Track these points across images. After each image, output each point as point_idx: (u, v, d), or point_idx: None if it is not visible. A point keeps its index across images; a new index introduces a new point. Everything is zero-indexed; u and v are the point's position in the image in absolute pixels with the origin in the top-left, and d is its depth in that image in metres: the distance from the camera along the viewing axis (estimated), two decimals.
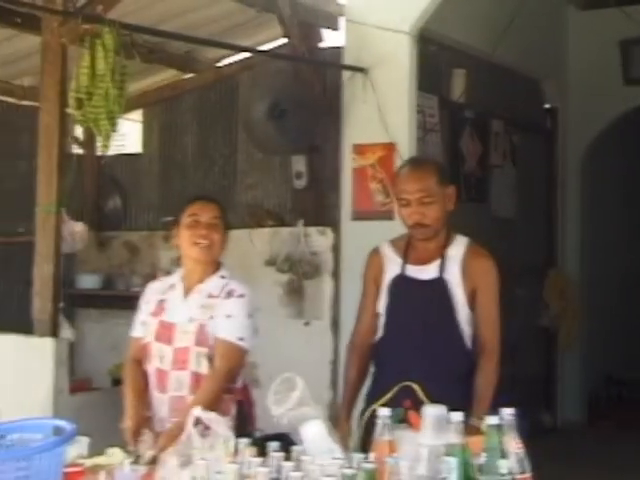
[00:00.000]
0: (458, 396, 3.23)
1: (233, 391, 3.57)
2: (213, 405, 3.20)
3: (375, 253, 3.71)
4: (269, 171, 6.96)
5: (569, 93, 8.91)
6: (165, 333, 3.60)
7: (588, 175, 9.13)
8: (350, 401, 3.64)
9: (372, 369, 3.70)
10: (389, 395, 3.42)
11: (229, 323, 3.54)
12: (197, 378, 3.52)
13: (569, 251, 8.98)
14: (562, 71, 8.86)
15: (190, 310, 3.59)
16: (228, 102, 7.20)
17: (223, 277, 3.66)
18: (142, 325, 3.72)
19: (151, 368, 3.63)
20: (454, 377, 3.46)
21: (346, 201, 6.26)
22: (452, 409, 2.35)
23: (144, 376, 3.66)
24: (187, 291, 3.65)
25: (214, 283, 3.63)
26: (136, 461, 3.13)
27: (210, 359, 3.52)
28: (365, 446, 3.05)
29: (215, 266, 3.68)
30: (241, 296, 3.59)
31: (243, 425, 3.44)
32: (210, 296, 3.60)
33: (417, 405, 3.12)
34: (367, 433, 3.32)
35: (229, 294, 3.59)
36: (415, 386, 3.39)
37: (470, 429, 2.95)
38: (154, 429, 3.50)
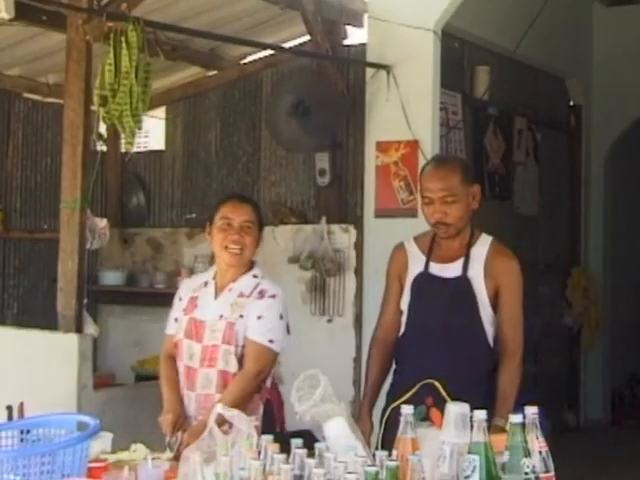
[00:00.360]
0: (480, 395, 3.23)
1: (261, 391, 3.55)
2: (240, 405, 3.17)
3: (400, 249, 3.70)
4: (292, 168, 6.97)
5: (593, 90, 8.86)
6: (195, 330, 3.58)
7: (612, 173, 9.08)
8: (371, 397, 3.63)
9: (394, 366, 3.69)
10: (411, 393, 3.40)
11: (260, 324, 3.52)
12: (224, 376, 3.51)
13: (592, 249, 8.93)
14: (587, 68, 8.81)
15: (221, 308, 3.57)
16: (251, 99, 7.21)
17: (255, 276, 3.63)
18: (175, 322, 3.72)
19: (181, 365, 3.62)
20: (476, 376, 3.45)
21: (369, 198, 6.25)
22: (473, 407, 2.33)
23: (178, 372, 3.66)
24: (219, 289, 3.64)
25: (246, 282, 3.61)
26: (173, 450, 3.17)
27: (239, 358, 3.51)
28: (386, 443, 3.06)
29: (248, 265, 3.66)
30: (273, 297, 3.57)
31: (270, 425, 3.43)
32: (241, 295, 3.58)
33: (439, 403, 3.13)
34: (388, 430, 3.33)
35: (261, 294, 3.57)
36: (437, 384, 3.37)
37: (494, 428, 2.96)
38: (184, 427, 3.50)
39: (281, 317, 3.58)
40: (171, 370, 3.67)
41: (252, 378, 3.47)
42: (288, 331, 3.62)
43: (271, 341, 3.51)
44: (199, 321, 3.60)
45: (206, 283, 3.70)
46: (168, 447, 3.25)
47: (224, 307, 3.58)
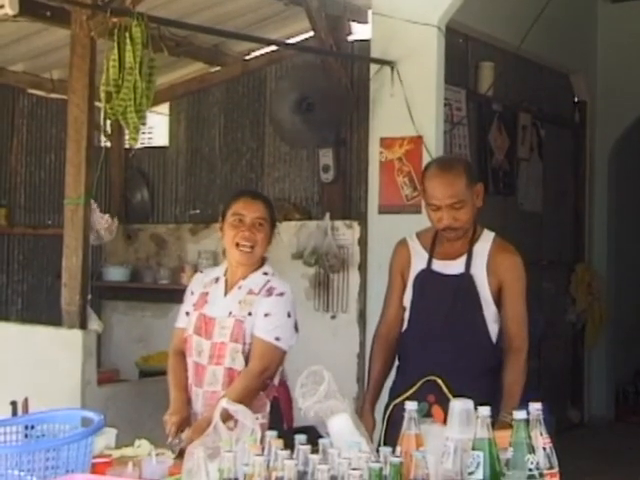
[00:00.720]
0: (482, 391, 3.20)
1: (268, 388, 3.53)
2: (244, 402, 3.12)
3: (402, 245, 3.68)
4: (296, 164, 6.97)
5: (598, 87, 8.84)
6: (204, 327, 3.57)
7: (616, 169, 9.05)
8: (374, 393, 3.62)
9: (397, 363, 3.68)
10: (412, 390, 3.41)
11: (267, 322, 3.50)
12: (231, 374, 3.49)
13: (596, 245, 8.91)
14: (591, 64, 8.79)
15: (230, 305, 3.56)
16: (255, 95, 7.20)
17: (266, 274, 3.61)
18: (186, 315, 3.70)
19: (190, 361, 3.61)
20: (478, 373, 3.44)
21: (373, 194, 6.23)
22: (476, 404, 2.34)
23: (187, 369, 3.64)
24: (229, 286, 3.63)
25: (255, 280, 3.59)
26: (174, 452, 3.16)
27: (246, 356, 3.49)
28: (388, 440, 3.06)
29: (259, 262, 3.64)
30: (281, 294, 3.55)
31: (277, 422, 3.39)
32: (250, 292, 3.56)
33: (440, 400, 3.16)
34: (390, 427, 3.35)
35: (269, 292, 3.55)
36: (439, 381, 3.38)
37: (500, 424, 2.96)
38: (190, 423, 3.48)
39: (289, 315, 3.55)
40: (179, 367, 3.65)
41: (256, 375, 3.45)
42: (296, 329, 3.60)
43: (278, 339, 3.49)
44: (208, 317, 3.58)
45: (217, 279, 3.68)
46: (170, 448, 3.24)
47: (233, 304, 3.56)
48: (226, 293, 3.62)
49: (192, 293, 3.73)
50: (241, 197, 3.66)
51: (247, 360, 3.49)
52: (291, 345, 3.56)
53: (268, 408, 3.51)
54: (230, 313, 3.55)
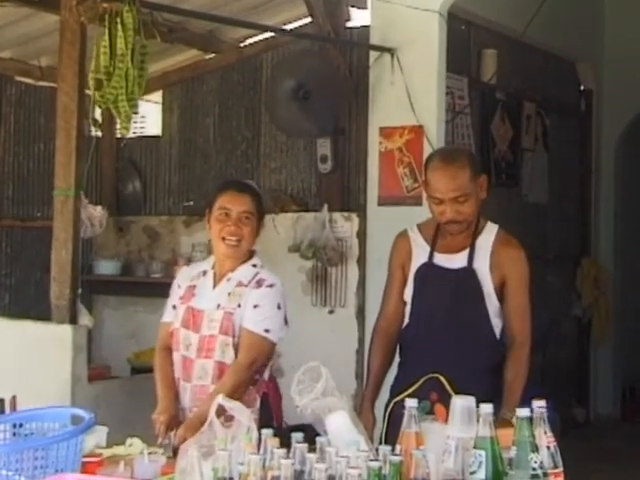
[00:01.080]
0: (485, 388, 3.19)
1: (258, 383, 3.51)
2: (234, 397, 3.10)
3: (403, 237, 3.65)
4: (293, 154, 6.93)
5: (604, 75, 8.81)
6: (192, 320, 3.55)
7: (623, 159, 9.03)
8: (374, 389, 3.59)
9: (398, 359, 3.64)
10: (414, 387, 3.37)
11: (256, 313, 3.48)
12: (221, 367, 3.47)
13: (603, 238, 8.89)
14: (598, 52, 8.76)
15: (219, 298, 3.55)
16: (251, 83, 7.16)
17: (254, 266, 3.60)
18: (173, 309, 3.68)
19: (177, 355, 3.58)
20: (481, 369, 3.42)
21: (372, 186, 6.21)
22: (479, 401, 2.31)
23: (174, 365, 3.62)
24: (218, 279, 3.61)
25: (244, 272, 3.57)
26: (167, 451, 3.15)
27: (236, 349, 3.47)
28: (389, 439, 3.02)
29: (247, 254, 3.61)
30: (270, 286, 3.53)
31: (267, 418, 3.37)
32: (239, 284, 3.54)
33: (443, 398, 3.10)
34: (391, 425, 3.30)
35: (258, 284, 3.53)
36: (442, 378, 3.35)
37: (501, 421, 2.91)
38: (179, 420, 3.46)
39: (279, 307, 3.54)
40: (166, 364, 3.62)
41: (245, 368, 3.43)
42: (286, 322, 3.58)
43: (267, 330, 3.48)
44: (197, 310, 3.57)
45: (205, 272, 3.67)
46: (162, 448, 3.20)
47: (222, 296, 3.55)
48: (214, 286, 3.60)
49: (179, 286, 3.71)
50: (227, 190, 3.64)
51: (237, 353, 3.47)
52: (281, 337, 3.56)
53: (258, 403, 3.48)
54: (219, 305, 3.53)
